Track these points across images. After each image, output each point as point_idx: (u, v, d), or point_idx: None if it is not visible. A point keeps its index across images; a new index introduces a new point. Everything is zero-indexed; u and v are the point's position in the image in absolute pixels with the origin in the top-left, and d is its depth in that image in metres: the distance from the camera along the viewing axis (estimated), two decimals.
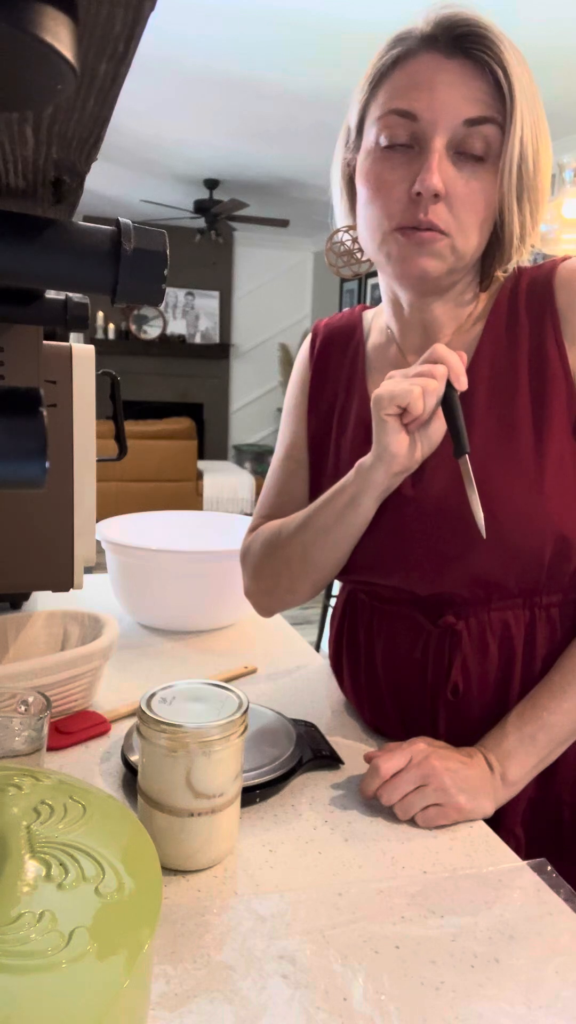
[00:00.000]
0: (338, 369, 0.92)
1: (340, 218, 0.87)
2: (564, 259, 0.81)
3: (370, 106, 0.76)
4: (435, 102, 0.71)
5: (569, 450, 0.76)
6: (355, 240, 0.86)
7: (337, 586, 0.96)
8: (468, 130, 0.71)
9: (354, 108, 0.79)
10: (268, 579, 0.90)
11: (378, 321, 0.92)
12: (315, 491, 0.90)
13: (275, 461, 0.97)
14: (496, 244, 0.78)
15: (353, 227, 0.84)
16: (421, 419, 0.72)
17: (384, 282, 0.85)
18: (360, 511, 0.78)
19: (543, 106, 0.75)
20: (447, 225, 0.73)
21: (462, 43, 0.71)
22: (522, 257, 0.80)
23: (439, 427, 0.73)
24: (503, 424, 0.77)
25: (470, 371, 0.78)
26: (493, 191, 0.74)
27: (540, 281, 0.80)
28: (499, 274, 0.82)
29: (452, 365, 0.71)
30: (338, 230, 0.87)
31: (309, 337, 0.97)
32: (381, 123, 0.74)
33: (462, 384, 0.71)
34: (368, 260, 0.87)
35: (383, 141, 0.74)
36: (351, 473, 0.78)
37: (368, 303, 6.57)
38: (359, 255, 0.87)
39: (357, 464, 0.77)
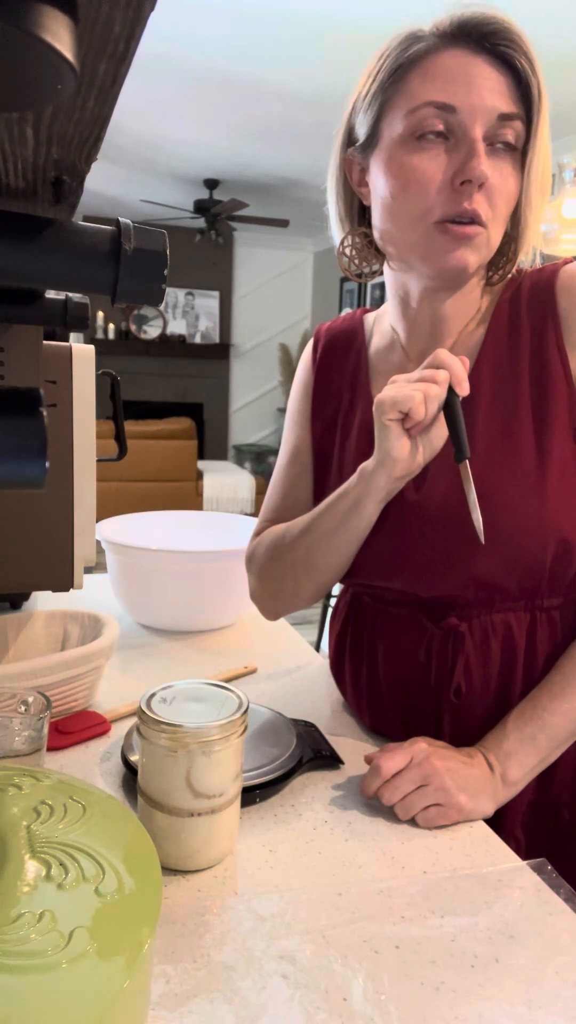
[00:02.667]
0: (341, 373, 0.92)
1: (336, 222, 0.87)
2: (566, 262, 0.81)
3: (391, 101, 0.75)
4: (472, 95, 0.71)
5: (571, 454, 0.76)
6: (363, 245, 0.84)
7: (337, 587, 0.96)
8: (500, 124, 0.72)
9: (363, 107, 0.78)
10: (273, 582, 0.90)
11: (380, 324, 0.92)
12: (319, 495, 0.90)
13: (279, 465, 0.97)
14: (507, 241, 0.79)
15: (358, 231, 0.84)
16: (423, 424, 0.72)
17: (395, 279, 0.84)
18: (363, 515, 0.78)
19: None
20: (486, 216, 0.73)
21: (489, 40, 0.71)
22: (527, 255, 0.80)
23: (441, 432, 0.73)
24: (505, 428, 0.77)
25: (473, 375, 0.78)
26: (518, 184, 0.75)
27: (542, 285, 0.80)
28: (498, 275, 0.82)
29: (454, 370, 0.71)
30: (347, 234, 0.85)
31: (311, 342, 0.97)
32: (414, 116, 0.73)
33: (464, 389, 0.72)
34: (376, 263, 0.85)
35: (418, 132, 0.73)
36: (354, 477, 0.78)
37: (368, 304, 6.50)
38: (369, 260, 0.85)
39: (360, 468, 0.78)
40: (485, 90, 0.71)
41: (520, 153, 0.75)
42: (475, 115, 0.71)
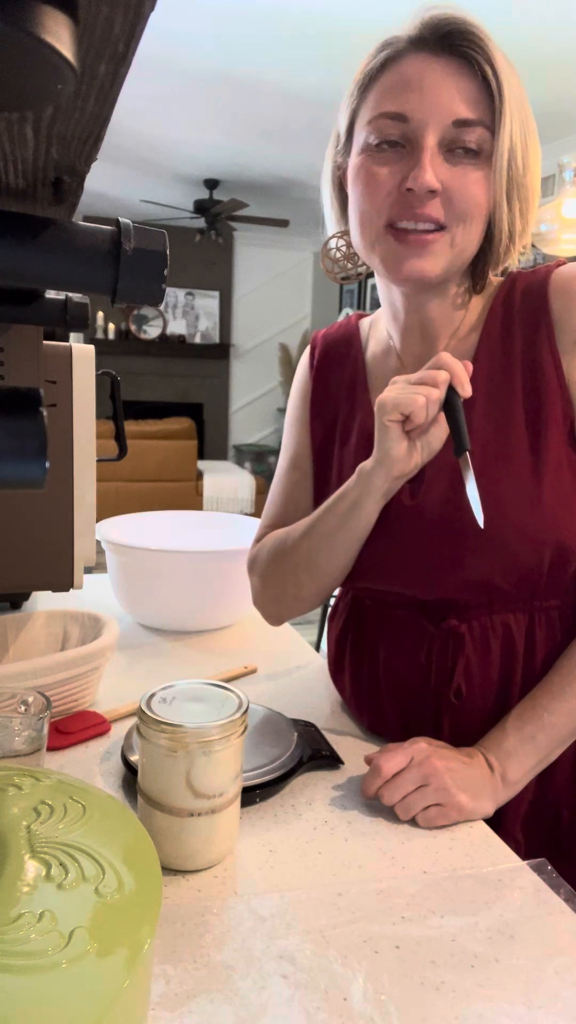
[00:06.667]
0: (339, 380, 0.92)
1: (331, 224, 0.88)
2: (559, 264, 0.80)
3: (360, 110, 0.76)
4: (424, 102, 0.71)
5: (565, 458, 0.76)
6: (349, 245, 0.86)
7: (336, 590, 0.96)
8: (458, 130, 0.72)
9: (344, 113, 0.79)
10: (275, 586, 0.90)
11: (376, 330, 0.92)
12: (319, 500, 0.90)
13: (279, 472, 0.98)
14: (487, 245, 0.78)
15: (347, 232, 0.85)
16: (423, 426, 0.73)
17: (381, 285, 0.85)
18: (362, 515, 0.79)
19: (532, 107, 0.75)
20: (446, 219, 0.73)
21: (450, 42, 0.71)
22: (512, 259, 0.80)
23: (439, 434, 0.74)
24: (500, 433, 0.77)
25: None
26: (488, 185, 0.74)
27: (535, 287, 0.80)
28: (492, 278, 0.82)
29: (456, 372, 0.72)
30: (332, 236, 0.87)
31: (308, 349, 0.98)
32: (371, 126, 0.74)
33: (466, 391, 0.72)
34: (364, 264, 0.87)
35: (374, 142, 0.74)
36: (352, 478, 0.79)
37: (368, 305, 6.47)
38: (354, 260, 0.87)
39: (358, 469, 0.78)
40: (442, 96, 0.71)
41: (489, 154, 0.74)
42: (426, 123, 0.72)
